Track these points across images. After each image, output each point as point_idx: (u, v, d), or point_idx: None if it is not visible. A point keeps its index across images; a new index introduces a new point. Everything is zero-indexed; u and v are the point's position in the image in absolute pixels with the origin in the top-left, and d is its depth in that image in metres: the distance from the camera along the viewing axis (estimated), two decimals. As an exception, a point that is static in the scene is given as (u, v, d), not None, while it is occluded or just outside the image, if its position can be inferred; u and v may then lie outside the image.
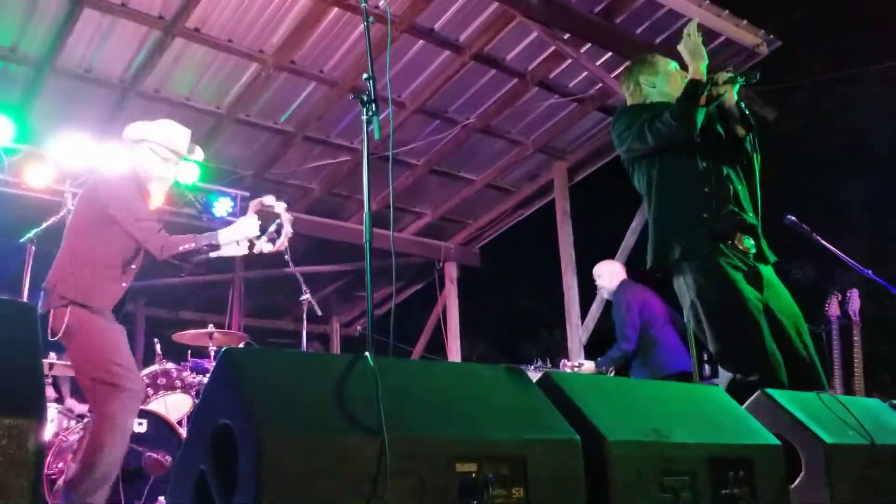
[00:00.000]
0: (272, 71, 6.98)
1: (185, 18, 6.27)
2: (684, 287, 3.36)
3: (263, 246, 3.97)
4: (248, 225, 3.86)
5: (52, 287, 3.62)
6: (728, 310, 3.23)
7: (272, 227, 4.02)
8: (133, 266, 3.81)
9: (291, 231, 4.03)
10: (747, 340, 3.18)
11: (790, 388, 3.00)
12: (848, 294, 5.38)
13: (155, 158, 3.88)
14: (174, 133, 3.99)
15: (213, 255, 3.82)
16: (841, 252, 4.82)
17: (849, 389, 5.17)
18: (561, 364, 5.92)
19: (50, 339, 3.58)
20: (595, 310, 8.23)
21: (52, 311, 3.56)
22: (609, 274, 6.09)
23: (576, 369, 5.81)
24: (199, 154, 4.10)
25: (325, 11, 6.47)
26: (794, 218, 4.67)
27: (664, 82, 3.66)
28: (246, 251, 3.92)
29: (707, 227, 3.31)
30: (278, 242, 3.99)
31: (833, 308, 5.35)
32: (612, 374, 5.83)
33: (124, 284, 3.78)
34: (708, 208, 3.34)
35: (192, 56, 6.77)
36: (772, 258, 3.44)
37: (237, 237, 3.82)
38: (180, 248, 3.65)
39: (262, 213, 3.99)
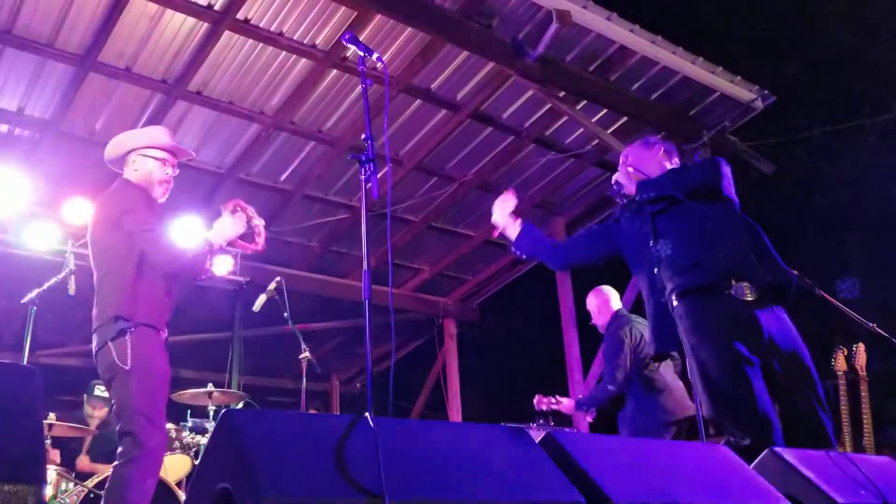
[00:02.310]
0: (272, 131, 7.07)
1: (187, 82, 6.38)
2: (681, 329, 3.34)
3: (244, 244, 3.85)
4: (231, 223, 3.71)
5: (110, 317, 3.40)
6: (720, 369, 3.18)
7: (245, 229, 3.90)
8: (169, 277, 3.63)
9: (263, 225, 3.90)
10: (738, 403, 3.13)
11: (791, 445, 2.96)
12: (854, 349, 5.34)
13: (150, 162, 3.76)
14: (154, 132, 3.87)
15: (213, 260, 3.71)
16: (845, 306, 4.80)
17: (858, 446, 5.09)
18: (536, 401, 5.50)
19: (108, 378, 3.40)
20: (597, 367, 8.18)
21: (108, 343, 3.37)
22: (598, 306, 5.60)
23: (553, 406, 5.45)
24: (188, 151, 3.97)
25: (323, 73, 6.59)
26: (796, 273, 4.67)
27: None
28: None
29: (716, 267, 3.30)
30: (259, 242, 3.88)
31: (840, 363, 5.30)
32: (593, 415, 5.58)
33: (171, 297, 3.63)
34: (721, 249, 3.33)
35: (194, 118, 6.87)
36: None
37: (227, 236, 3.69)
38: (189, 256, 3.55)
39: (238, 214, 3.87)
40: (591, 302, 5.67)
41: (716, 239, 3.34)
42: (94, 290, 3.57)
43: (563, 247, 4.23)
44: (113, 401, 3.44)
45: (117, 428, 3.37)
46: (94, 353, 3.51)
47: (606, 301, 5.60)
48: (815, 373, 3.31)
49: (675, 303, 3.38)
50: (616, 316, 5.50)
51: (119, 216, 3.55)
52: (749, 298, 3.27)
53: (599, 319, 5.59)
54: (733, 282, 3.27)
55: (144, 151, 3.78)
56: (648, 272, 3.49)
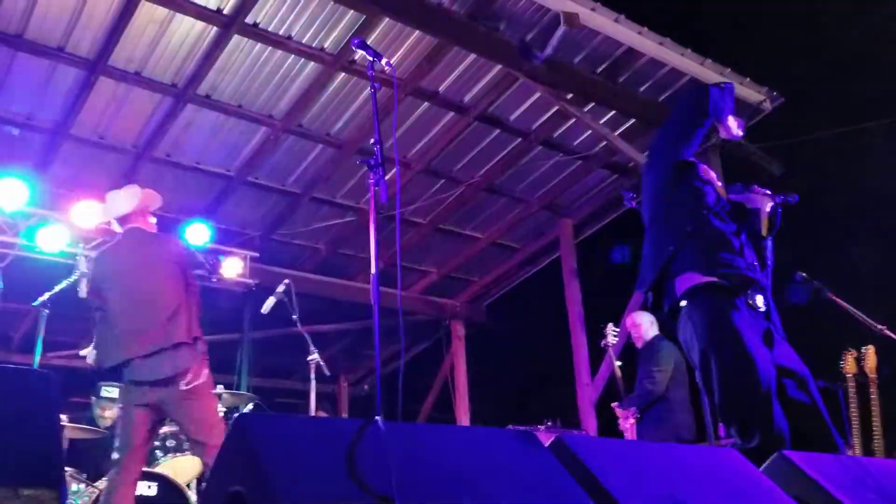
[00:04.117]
0: (280, 134, 7.09)
1: (196, 85, 6.41)
2: (691, 331, 3.33)
3: None
4: None
5: (192, 340, 4.02)
6: (740, 371, 3.18)
7: None
8: None
9: None
10: (756, 406, 3.12)
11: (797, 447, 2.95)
12: (863, 351, 5.32)
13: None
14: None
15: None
16: (854, 308, 4.79)
17: (868, 449, 5.07)
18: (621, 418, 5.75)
19: (184, 397, 3.88)
20: (605, 368, 8.17)
21: (192, 366, 3.94)
22: (649, 323, 6.07)
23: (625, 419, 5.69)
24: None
25: (331, 77, 6.61)
26: (805, 274, 4.67)
27: None
28: None
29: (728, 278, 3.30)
30: None
31: (849, 365, 5.28)
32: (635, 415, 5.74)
33: None
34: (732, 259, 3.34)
35: (203, 121, 6.90)
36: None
37: None
38: None
39: None
40: (644, 318, 6.11)
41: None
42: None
43: None
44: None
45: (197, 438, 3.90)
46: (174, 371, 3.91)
47: (654, 322, 6.07)
48: (809, 372, 3.32)
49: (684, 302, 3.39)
50: (660, 336, 5.96)
51: (186, 266, 4.33)
52: (761, 308, 3.33)
53: (646, 335, 6.04)
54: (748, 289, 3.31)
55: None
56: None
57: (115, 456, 3.89)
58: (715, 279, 3.30)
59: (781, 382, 3.22)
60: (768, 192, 3.67)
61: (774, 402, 3.12)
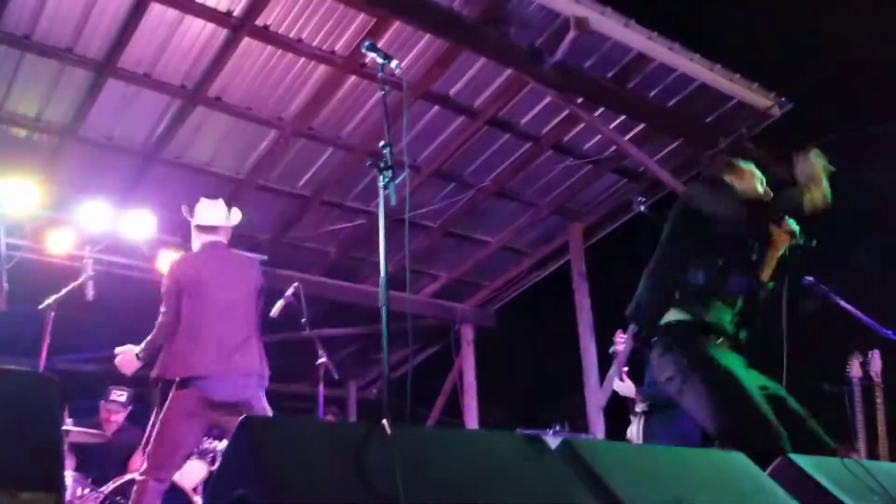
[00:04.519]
0: (291, 137, 7.10)
1: (206, 87, 6.42)
2: (670, 359, 3.31)
3: None
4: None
5: (262, 370, 4.10)
6: (727, 384, 3.15)
7: None
8: None
9: None
10: (751, 415, 3.07)
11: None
12: (869, 355, 5.31)
13: None
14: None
15: None
16: (860, 312, 4.77)
17: (873, 453, 5.06)
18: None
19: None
20: (613, 373, 8.13)
21: (257, 394, 4.01)
22: None
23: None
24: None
25: (342, 79, 6.61)
26: (812, 279, 4.64)
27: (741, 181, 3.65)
28: None
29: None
30: None
31: (855, 370, 5.28)
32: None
33: None
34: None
35: (213, 123, 6.91)
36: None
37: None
38: None
39: None
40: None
41: None
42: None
43: None
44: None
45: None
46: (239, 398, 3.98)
47: None
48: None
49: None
50: None
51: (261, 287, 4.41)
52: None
53: None
54: None
55: None
56: None
57: (150, 461, 3.88)
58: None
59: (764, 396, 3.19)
60: None
61: (767, 408, 3.08)
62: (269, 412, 4.02)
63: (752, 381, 3.19)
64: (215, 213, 4.37)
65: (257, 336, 4.17)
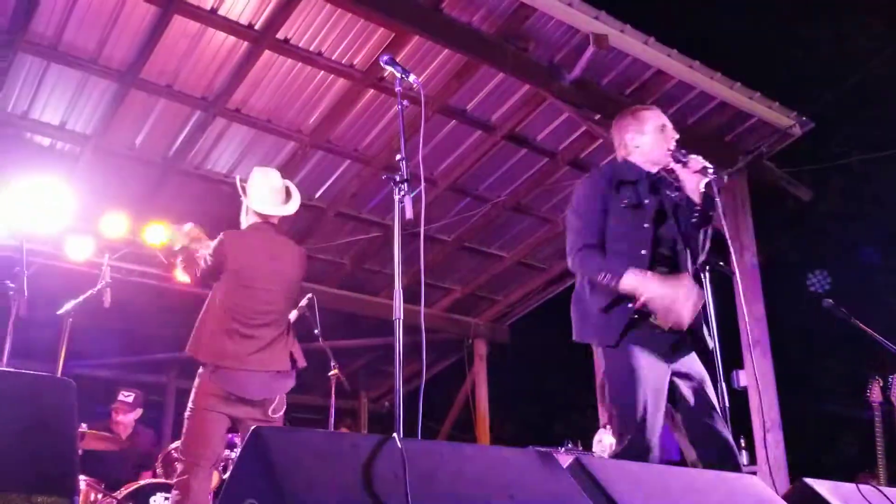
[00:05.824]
0: (309, 149, 7.14)
1: (226, 99, 6.47)
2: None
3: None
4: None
5: (292, 368, 4.17)
6: (623, 396, 3.09)
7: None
8: None
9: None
10: (632, 413, 3.02)
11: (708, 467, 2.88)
12: (890, 379, 5.24)
13: None
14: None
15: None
16: (881, 336, 4.71)
17: (893, 479, 4.99)
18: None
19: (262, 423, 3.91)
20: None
21: (282, 396, 4.06)
22: None
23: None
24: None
25: (360, 93, 6.65)
26: (832, 301, 4.60)
27: (649, 142, 3.57)
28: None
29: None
30: None
31: (875, 394, 5.21)
32: None
33: None
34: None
35: (233, 135, 6.96)
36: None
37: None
38: None
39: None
40: None
41: None
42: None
43: None
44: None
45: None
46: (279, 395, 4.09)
47: None
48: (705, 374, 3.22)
49: None
50: None
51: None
52: None
53: None
54: None
55: None
56: None
57: (186, 457, 3.88)
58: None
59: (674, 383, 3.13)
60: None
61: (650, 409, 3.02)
62: (283, 409, 4.09)
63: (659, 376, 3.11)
64: (272, 198, 4.20)
65: (292, 331, 4.21)
